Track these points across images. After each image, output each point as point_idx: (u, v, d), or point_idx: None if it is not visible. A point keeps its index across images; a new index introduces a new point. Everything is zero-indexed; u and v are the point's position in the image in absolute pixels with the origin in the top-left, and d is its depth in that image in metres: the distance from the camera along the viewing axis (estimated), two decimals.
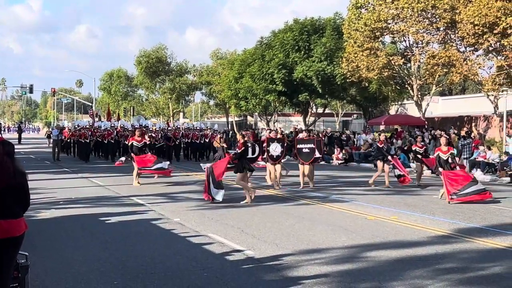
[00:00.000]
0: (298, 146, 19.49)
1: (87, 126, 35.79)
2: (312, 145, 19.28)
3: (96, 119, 46.69)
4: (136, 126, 33.73)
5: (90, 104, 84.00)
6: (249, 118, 75.72)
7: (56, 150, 32.85)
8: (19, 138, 55.89)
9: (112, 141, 32.42)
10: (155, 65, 70.09)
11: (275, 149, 19.08)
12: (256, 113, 59.94)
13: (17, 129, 65.28)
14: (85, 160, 31.43)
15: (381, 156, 19.95)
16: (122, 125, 35.50)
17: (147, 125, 36.08)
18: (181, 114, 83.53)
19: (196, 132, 33.77)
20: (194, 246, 9.77)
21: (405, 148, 25.05)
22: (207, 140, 33.36)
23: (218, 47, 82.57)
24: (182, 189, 18.65)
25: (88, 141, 32.43)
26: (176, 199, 16.09)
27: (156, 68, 70.42)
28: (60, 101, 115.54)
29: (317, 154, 19.40)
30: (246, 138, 16.61)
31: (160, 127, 36.02)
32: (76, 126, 37.86)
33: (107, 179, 21.40)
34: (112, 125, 35.21)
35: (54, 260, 8.67)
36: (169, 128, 35.50)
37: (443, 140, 17.04)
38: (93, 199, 15.75)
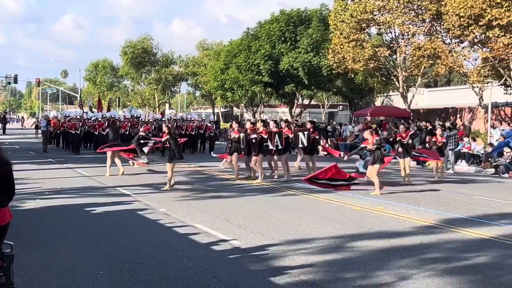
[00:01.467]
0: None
1: (78, 117, 35.16)
2: (255, 135, 18.49)
3: (86, 109, 45.97)
4: (127, 117, 33.47)
5: (75, 94, 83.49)
6: (235, 109, 75.62)
7: (44, 141, 32.46)
8: (4, 129, 55.56)
9: (103, 133, 31.75)
10: (141, 56, 69.79)
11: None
12: (242, 104, 59.86)
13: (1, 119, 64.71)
14: (75, 152, 30.33)
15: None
16: (113, 116, 35.06)
17: (139, 116, 35.85)
18: (167, 105, 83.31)
19: (191, 124, 33.42)
20: (180, 236, 9.76)
21: (391, 139, 25.04)
22: (201, 132, 33.17)
23: (205, 38, 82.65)
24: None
25: (78, 132, 31.69)
26: (162, 189, 16.03)
27: (141, 58, 70.11)
28: (45, 91, 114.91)
29: (270, 146, 18.52)
30: (171, 130, 17.69)
31: (153, 118, 35.69)
32: (65, 116, 37.26)
33: (93, 170, 21.29)
34: (104, 115, 34.66)
35: (39, 250, 8.62)
36: (163, 119, 35.06)
37: (401, 127, 18.86)
38: (78, 190, 15.65)
